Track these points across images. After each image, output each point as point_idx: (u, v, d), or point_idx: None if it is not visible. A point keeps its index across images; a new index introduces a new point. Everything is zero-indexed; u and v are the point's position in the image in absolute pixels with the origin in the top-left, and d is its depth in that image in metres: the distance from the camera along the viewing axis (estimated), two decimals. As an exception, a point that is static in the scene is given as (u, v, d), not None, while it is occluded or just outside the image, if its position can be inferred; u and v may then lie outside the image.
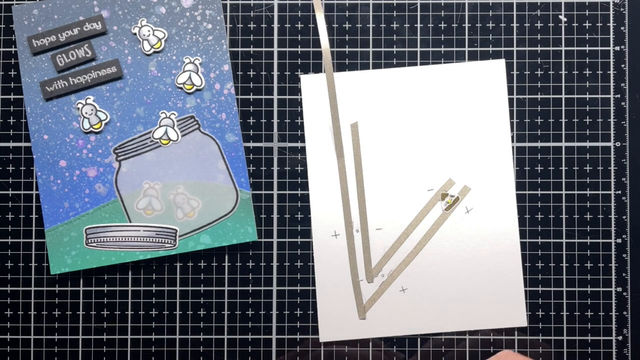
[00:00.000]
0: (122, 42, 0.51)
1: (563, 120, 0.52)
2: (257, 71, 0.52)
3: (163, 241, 0.51)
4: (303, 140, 0.52)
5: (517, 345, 0.51)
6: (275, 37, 0.52)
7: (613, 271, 0.51)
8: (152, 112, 0.51)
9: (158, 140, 0.51)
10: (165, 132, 0.51)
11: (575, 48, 0.52)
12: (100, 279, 0.51)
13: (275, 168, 0.52)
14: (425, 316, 0.51)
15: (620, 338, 0.51)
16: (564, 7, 0.52)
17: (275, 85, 0.52)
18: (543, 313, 0.51)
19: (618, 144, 0.52)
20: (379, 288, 0.51)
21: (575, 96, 0.52)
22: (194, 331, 0.51)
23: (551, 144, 0.52)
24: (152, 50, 0.51)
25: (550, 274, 0.51)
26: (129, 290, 0.52)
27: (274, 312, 0.51)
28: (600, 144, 0.52)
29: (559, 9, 0.52)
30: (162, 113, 0.51)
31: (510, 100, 0.52)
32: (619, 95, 0.52)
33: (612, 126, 0.52)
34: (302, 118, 0.52)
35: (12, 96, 0.52)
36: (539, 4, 0.52)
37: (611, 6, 0.52)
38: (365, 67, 0.52)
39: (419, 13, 0.52)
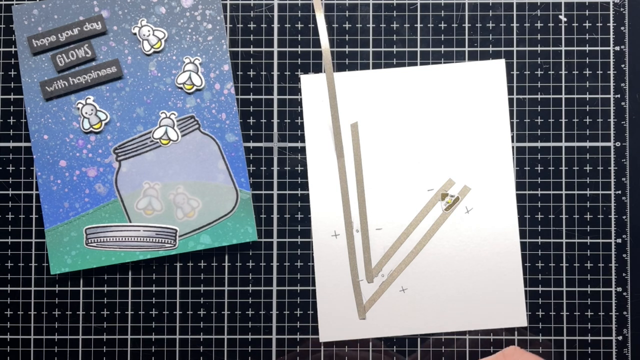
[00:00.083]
0: (122, 42, 0.51)
1: (563, 120, 0.52)
2: (257, 71, 0.52)
3: (163, 241, 0.51)
4: (303, 140, 0.52)
5: (517, 345, 0.51)
6: (275, 37, 0.52)
7: (613, 271, 0.51)
8: (152, 112, 0.51)
9: (158, 140, 0.51)
10: (165, 132, 0.51)
11: (575, 48, 0.52)
12: (100, 279, 0.51)
13: (275, 168, 0.52)
14: (425, 316, 0.51)
15: (620, 338, 0.51)
16: (564, 7, 0.52)
17: (275, 85, 0.52)
18: (543, 313, 0.51)
19: (618, 144, 0.52)
20: (379, 288, 0.51)
21: (575, 96, 0.52)
22: (194, 331, 0.51)
23: (551, 144, 0.52)
24: (152, 50, 0.51)
25: (550, 274, 0.51)
26: (129, 290, 0.52)
27: (274, 312, 0.51)
28: (600, 144, 0.52)
29: (559, 9, 0.52)
30: (162, 113, 0.51)
31: (510, 100, 0.52)
32: (619, 95, 0.52)
33: (612, 126, 0.52)
34: (302, 118, 0.52)
35: (12, 96, 0.52)
36: (539, 4, 0.52)
37: (611, 6, 0.52)
38: (365, 67, 0.52)
39: (419, 13, 0.52)
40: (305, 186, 0.52)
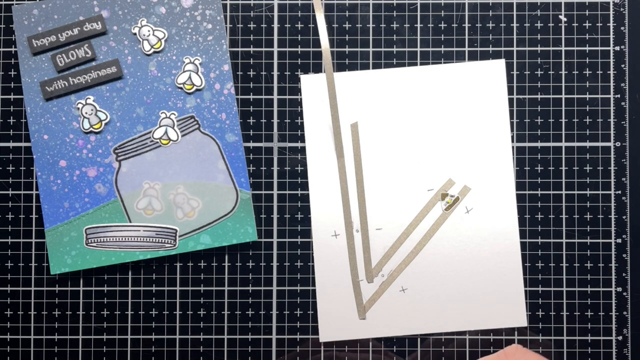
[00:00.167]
0: (122, 42, 0.51)
1: (563, 120, 0.52)
2: (257, 71, 0.52)
3: (163, 241, 0.51)
4: (303, 140, 0.52)
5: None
6: (275, 37, 0.52)
7: (613, 271, 0.51)
8: (152, 112, 0.51)
9: (158, 140, 0.51)
10: (165, 132, 0.51)
11: (575, 48, 0.52)
12: (100, 279, 0.51)
13: (275, 168, 0.52)
14: (425, 316, 0.51)
15: (620, 338, 0.51)
16: (564, 7, 0.52)
17: (275, 85, 0.52)
18: (543, 313, 0.51)
19: (618, 144, 0.52)
20: (379, 288, 0.51)
21: (575, 96, 0.52)
22: (194, 331, 0.51)
23: (551, 144, 0.52)
24: (152, 50, 0.51)
25: (550, 274, 0.51)
26: (129, 290, 0.52)
27: (274, 312, 0.51)
28: (600, 144, 0.52)
29: (559, 9, 0.52)
30: (162, 113, 0.51)
31: (510, 100, 0.52)
32: (619, 95, 0.52)
33: (612, 126, 0.52)
34: (302, 118, 0.52)
35: (12, 96, 0.52)
36: (539, 4, 0.52)
37: (611, 6, 0.52)
38: (365, 67, 0.52)
39: (419, 13, 0.52)
40: (305, 186, 0.52)
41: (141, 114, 0.51)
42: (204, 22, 0.51)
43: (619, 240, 0.51)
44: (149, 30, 0.51)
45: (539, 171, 0.52)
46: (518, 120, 0.52)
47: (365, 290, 0.51)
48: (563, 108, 0.52)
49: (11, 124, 0.52)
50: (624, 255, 0.51)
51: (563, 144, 0.52)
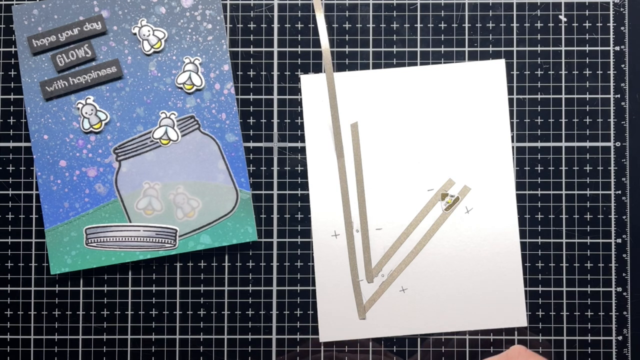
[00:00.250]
0: (122, 42, 0.51)
1: (563, 120, 0.52)
2: (257, 71, 0.52)
3: (163, 241, 0.51)
4: (303, 140, 0.52)
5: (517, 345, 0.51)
6: (275, 37, 0.52)
7: (613, 271, 0.51)
8: (152, 112, 0.51)
9: (158, 140, 0.51)
10: (165, 132, 0.51)
11: (575, 48, 0.52)
12: (100, 279, 0.51)
13: (275, 168, 0.52)
14: (425, 316, 0.51)
15: (620, 338, 0.51)
16: (564, 7, 0.52)
17: (275, 85, 0.52)
18: (543, 313, 0.51)
19: (618, 144, 0.52)
20: (379, 288, 0.51)
21: (575, 96, 0.52)
22: (194, 331, 0.51)
23: (551, 144, 0.52)
24: (152, 50, 0.51)
25: (550, 274, 0.51)
26: (129, 290, 0.52)
27: (274, 312, 0.51)
28: (600, 144, 0.52)
29: (559, 9, 0.52)
30: (162, 113, 0.51)
31: (510, 100, 0.52)
32: (619, 95, 0.52)
33: (612, 126, 0.52)
34: (302, 118, 0.52)
35: (12, 96, 0.52)
36: (539, 4, 0.52)
37: (611, 6, 0.52)
38: (365, 67, 0.52)
39: (419, 13, 0.52)
40: (305, 186, 0.52)
41: (141, 114, 0.51)
42: (204, 22, 0.51)
43: (619, 240, 0.51)
44: (149, 30, 0.51)
45: (539, 171, 0.52)
46: (518, 120, 0.52)
47: (365, 290, 0.51)
48: (563, 108, 0.52)
49: (11, 124, 0.52)
50: (624, 255, 0.51)
51: (563, 144, 0.52)
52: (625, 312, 0.51)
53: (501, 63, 0.52)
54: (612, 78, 0.52)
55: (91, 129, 0.51)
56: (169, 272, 0.51)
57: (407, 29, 0.52)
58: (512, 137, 0.52)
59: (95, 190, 0.51)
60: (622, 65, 0.52)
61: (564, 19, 0.52)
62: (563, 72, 0.52)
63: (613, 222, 0.52)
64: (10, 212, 0.52)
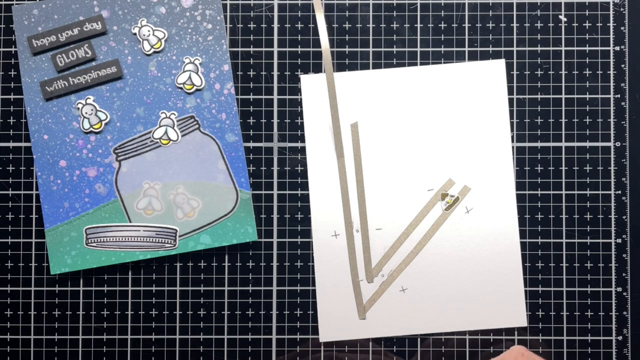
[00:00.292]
0: (122, 42, 0.51)
1: (563, 120, 0.52)
2: (257, 71, 0.52)
3: (163, 241, 0.51)
4: (303, 140, 0.52)
5: (517, 345, 0.51)
6: (275, 37, 0.52)
7: (613, 271, 0.51)
8: (152, 112, 0.51)
9: (158, 140, 0.51)
10: (165, 132, 0.51)
11: (575, 48, 0.52)
12: (100, 279, 0.51)
13: (275, 168, 0.52)
14: (425, 316, 0.51)
15: (620, 338, 0.51)
16: (564, 7, 0.52)
17: (275, 85, 0.52)
18: (543, 313, 0.51)
19: (618, 144, 0.52)
20: (379, 288, 0.51)
21: (575, 96, 0.52)
22: (194, 331, 0.51)
23: (551, 144, 0.52)
24: (152, 50, 0.51)
25: (550, 274, 0.51)
26: (129, 290, 0.52)
27: (274, 312, 0.51)
28: (600, 144, 0.52)
29: (559, 9, 0.52)
30: (162, 113, 0.51)
31: (510, 100, 0.52)
32: (619, 95, 0.52)
33: (612, 126, 0.52)
34: (302, 118, 0.52)
35: (12, 96, 0.52)
36: (539, 4, 0.52)
37: (611, 6, 0.52)
38: (365, 67, 0.52)
39: (419, 13, 0.52)
40: (305, 186, 0.52)
41: (141, 114, 0.51)
42: (204, 22, 0.51)
43: (619, 240, 0.51)
44: (149, 30, 0.51)
45: (539, 171, 0.52)
46: (518, 120, 0.52)
47: (365, 290, 0.51)
48: (563, 108, 0.52)
49: (11, 124, 0.52)
50: (624, 255, 0.51)
51: (563, 144, 0.52)
52: (625, 312, 0.51)
53: (501, 63, 0.52)
54: (612, 78, 0.52)
55: (91, 129, 0.51)
56: (169, 272, 0.51)
57: (407, 29, 0.52)
58: (512, 137, 0.52)
59: (95, 190, 0.51)
60: (622, 65, 0.52)
61: (564, 19, 0.52)
62: (563, 72, 0.52)
63: (613, 222, 0.52)
64: (10, 212, 0.52)
